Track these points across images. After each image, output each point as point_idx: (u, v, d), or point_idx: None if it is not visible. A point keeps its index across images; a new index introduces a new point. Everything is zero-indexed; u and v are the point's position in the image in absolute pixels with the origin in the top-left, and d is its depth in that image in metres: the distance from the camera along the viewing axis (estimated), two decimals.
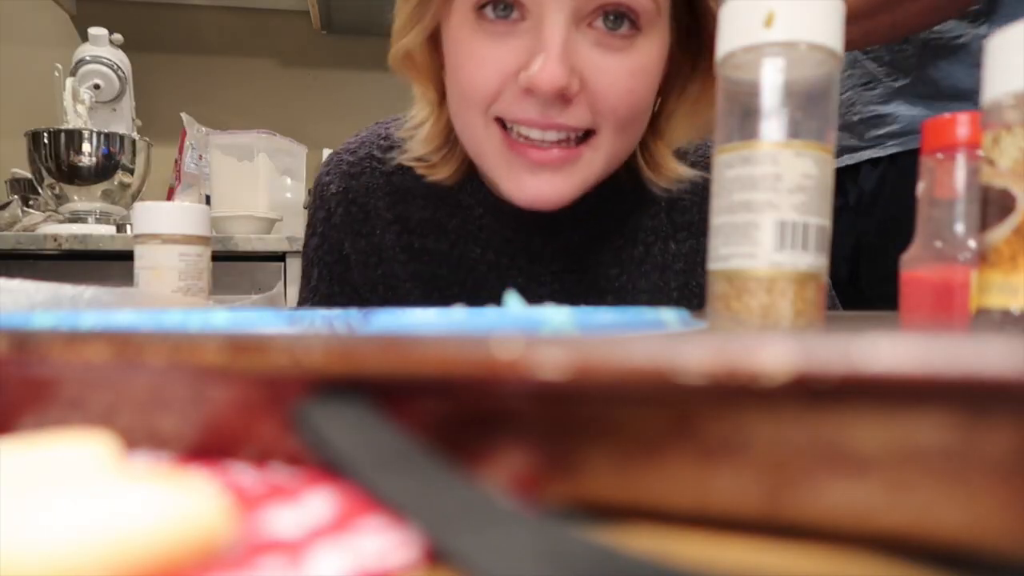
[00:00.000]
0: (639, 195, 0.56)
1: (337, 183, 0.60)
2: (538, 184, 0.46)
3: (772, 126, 0.29)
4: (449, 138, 0.54)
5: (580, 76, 0.43)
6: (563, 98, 0.43)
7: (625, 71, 0.44)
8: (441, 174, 0.55)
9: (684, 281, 0.57)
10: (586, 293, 0.57)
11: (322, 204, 0.61)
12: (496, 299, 0.56)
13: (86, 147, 1.34)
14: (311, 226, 0.63)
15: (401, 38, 0.49)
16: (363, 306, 0.59)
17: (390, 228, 0.58)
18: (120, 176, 1.38)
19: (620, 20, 0.43)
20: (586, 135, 0.46)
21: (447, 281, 0.58)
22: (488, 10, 0.44)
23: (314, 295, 0.63)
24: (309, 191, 1.61)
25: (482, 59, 0.44)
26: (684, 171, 0.54)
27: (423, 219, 0.58)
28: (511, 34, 0.44)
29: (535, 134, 0.45)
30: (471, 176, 0.56)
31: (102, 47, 1.43)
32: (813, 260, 0.29)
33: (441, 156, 0.55)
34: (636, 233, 0.57)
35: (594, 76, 0.43)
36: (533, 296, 0.56)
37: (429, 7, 0.47)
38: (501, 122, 0.46)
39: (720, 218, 0.31)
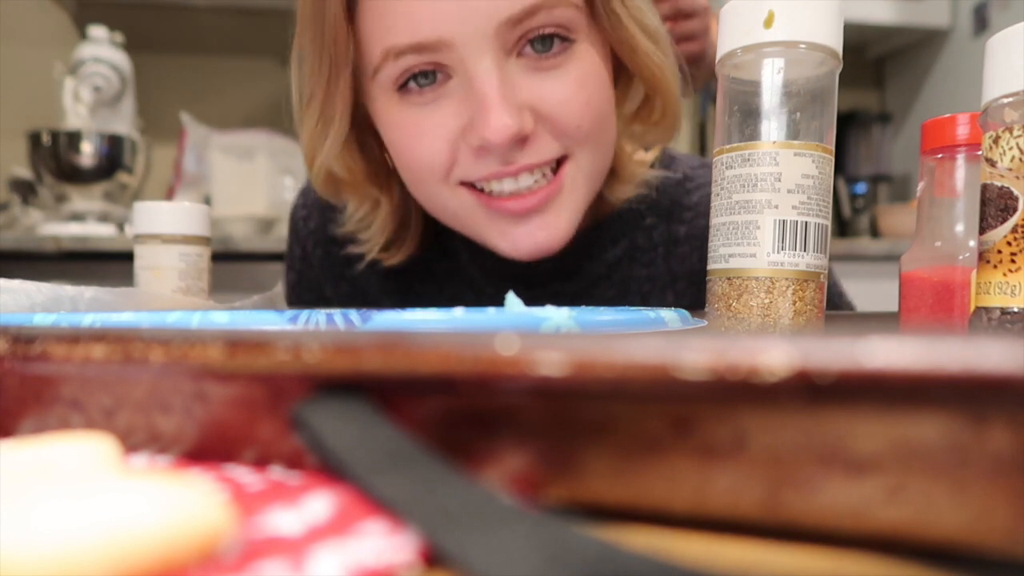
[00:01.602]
0: (630, 239, 0.52)
1: (315, 219, 0.56)
2: (531, 232, 0.42)
3: (772, 126, 0.29)
4: (403, 221, 0.50)
5: (530, 109, 0.40)
6: (521, 141, 0.40)
7: (573, 85, 0.40)
8: (400, 257, 0.51)
9: (692, 302, 0.54)
10: None
11: (297, 240, 0.58)
12: None
13: (86, 147, 1.34)
14: (288, 260, 0.59)
15: (316, 157, 0.44)
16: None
17: (374, 271, 0.54)
18: (120, 176, 1.38)
19: (548, 41, 0.40)
20: (559, 162, 0.42)
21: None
22: (412, 84, 0.41)
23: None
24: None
25: (422, 133, 0.41)
26: (650, 173, 0.51)
27: (409, 262, 0.53)
28: (443, 97, 0.40)
29: (507, 184, 0.41)
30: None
31: (102, 47, 1.43)
32: (813, 260, 0.29)
33: (398, 241, 0.51)
34: (628, 284, 0.53)
35: (544, 104, 0.40)
36: None
37: (332, 117, 0.42)
38: (468, 184, 0.42)
39: (720, 218, 0.31)
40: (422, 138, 0.41)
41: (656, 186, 0.52)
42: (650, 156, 0.53)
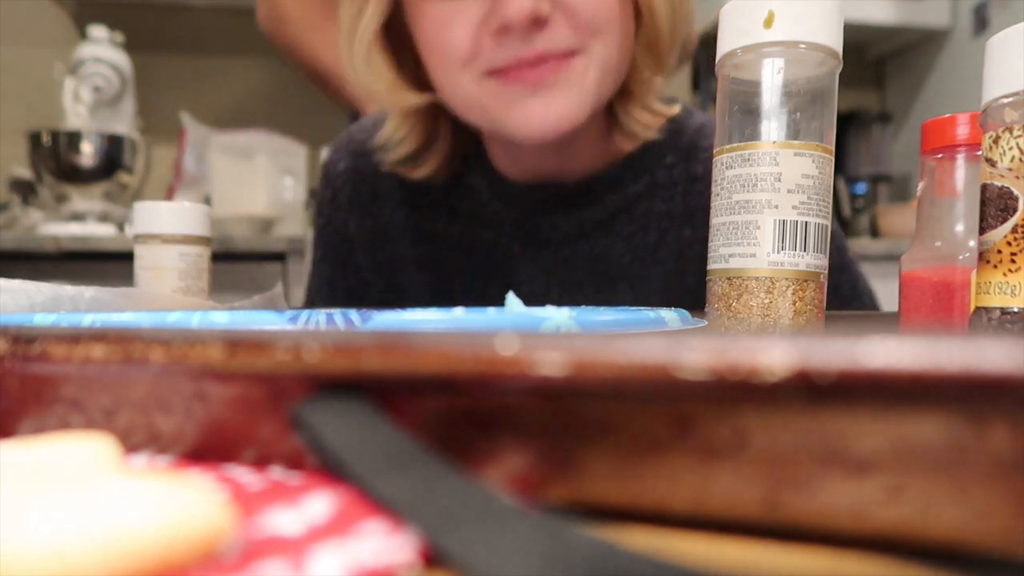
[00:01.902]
0: (650, 175, 0.55)
1: (346, 161, 0.59)
2: (542, 108, 0.45)
3: (772, 126, 0.29)
4: (429, 136, 0.54)
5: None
6: (538, 23, 0.43)
7: None
8: (426, 170, 0.54)
9: (702, 267, 0.56)
10: (597, 282, 0.56)
11: (328, 183, 0.60)
12: (503, 287, 0.55)
13: (86, 147, 1.34)
14: (317, 207, 0.62)
15: (354, 34, 0.48)
16: (366, 289, 0.60)
17: (399, 209, 0.57)
18: (120, 176, 1.38)
19: None
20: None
21: (454, 266, 0.57)
22: None
23: (318, 278, 0.62)
24: (309, 191, 1.61)
25: (449, 21, 0.44)
26: (670, 110, 0.54)
27: (433, 201, 0.57)
28: None
29: (522, 68, 0.44)
30: (480, 158, 0.55)
31: (102, 47, 1.43)
32: (813, 260, 0.29)
33: (424, 154, 0.54)
34: (648, 219, 0.55)
35: None
36: (543, 285, 0.56)
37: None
38: (492, 77, 0.46)
39: (720, 218, 0.31)
40: (448, 25, 0.44)
41: (676, 129, 0.55)
42: (674, 110, 0.56)
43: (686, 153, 0.55)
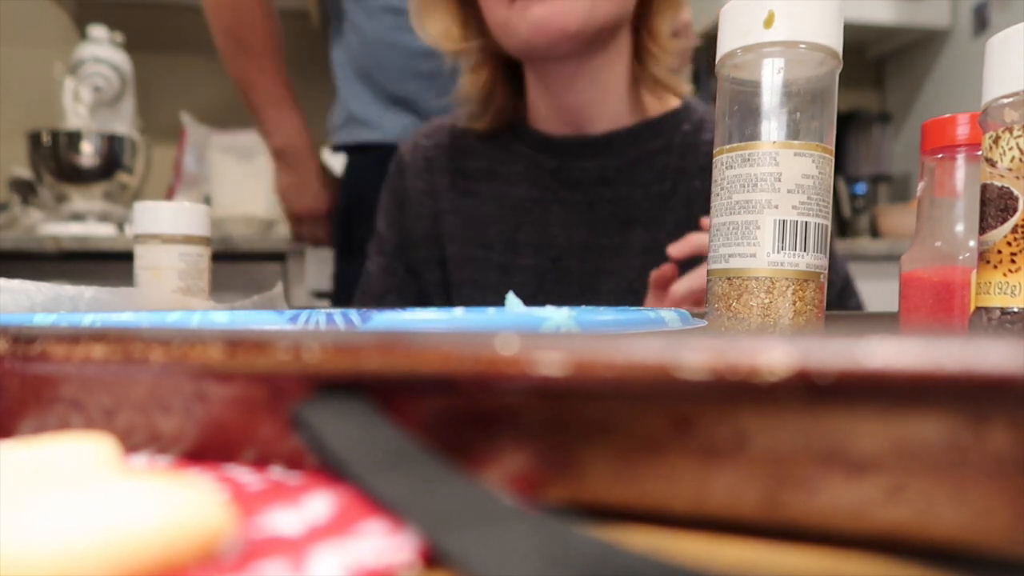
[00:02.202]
0: (668, 138, 0.65)
1: (410, 144, 0.72)
2: (544, 10, 0.54)
3: (772, 126, 0.29)
4: (489, 91, 0.66)
5: None
6: None
7: None
8: (486, 120, 0.67)
9: (707, 213, 0.65)
10: (618, 223, 0.64)
11: (394, 164, 0.72)
12: (535, 229, 0.66)
13: (86, 147, 1.34)
14: (384, 188, 0.73)
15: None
16: (411, 244, 0.71)
17: (447, 174, 0.69)
18: (120, 176, 1.38)
19: None
20: None
21: (490, 218, 0.67)
22: None
23: (376, 240, 0.73)
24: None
25: None
26: (686, 86, 0.66)
27: (478, 168, 0.68)
28: None
29: None
30: (520, 126, 0.68)
31: (102, 47, 1.43)
32: (813, 260, 0.29)
33: (483, 105, 0.67)
34: (664, 171, 0.65)
35: None
36: (569, 226, 0.65)
37: None
38: None
39: (720, 218, 0.31)
40: None
41: (689, 106, 0.67)
42: (689, 87, 0.68)
43: (699, 124, 0.66)
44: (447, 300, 0.70)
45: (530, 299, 0.63)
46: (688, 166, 0.65)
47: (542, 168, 0.66)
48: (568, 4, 0.54)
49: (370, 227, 0.76)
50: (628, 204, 0.64)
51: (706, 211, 0.61)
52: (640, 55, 0.63)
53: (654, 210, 0.64)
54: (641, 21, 0.62)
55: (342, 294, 0.95)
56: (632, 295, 0.63)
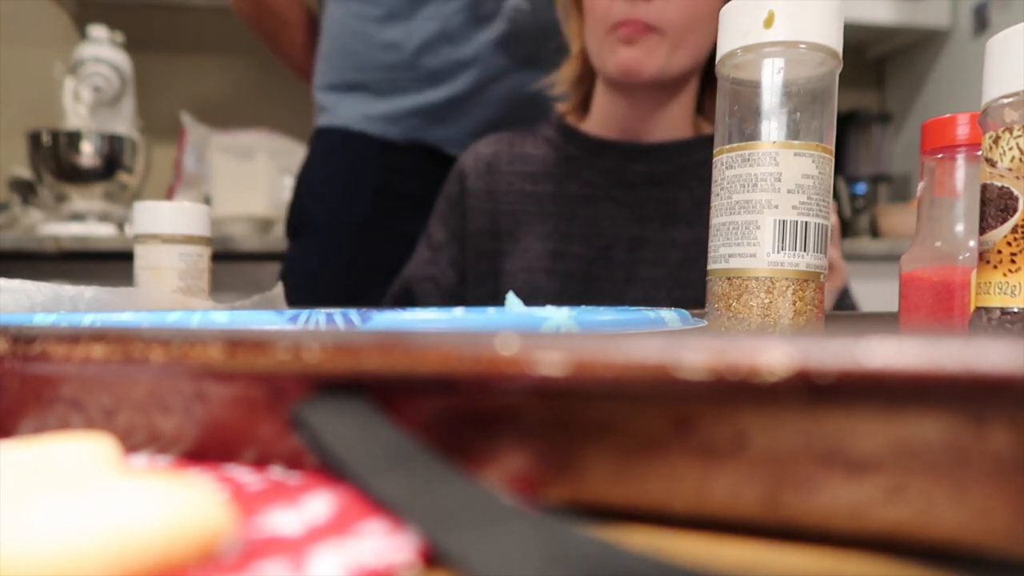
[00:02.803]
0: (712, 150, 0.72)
1: (470, 153, 0.78)
2: (628, 55, 0.65)
3: (772, 126, 0.29)
4: (580, 79, 0.75)
5: None
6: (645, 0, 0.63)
7: None
8: (575, 103, 0.76)
9: None
10: (663, 220, 0.71)
11: (453, 173, 0.79)
12: (584, 226, 0.72)
13: (86, 147, 1.33)
14: (442, 195, 0.79)
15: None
16: (466, 237, 0.77)
17: (506, 176, 0.75)
18: (120, 176, 1.38)
19: None
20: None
21: (545, 213, 0.73)
22: None
23: (425, 238, 0.78)
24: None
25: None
26: None
27: (535, 171, 0.75)
28: None
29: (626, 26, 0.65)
30: (574, 131, 0.74)
31: (102, 47, 1.43)
32: (813, 260, 0.29)
33: (575, 92, 0.76)
34: (708, 179, 0.68)
35: None
36: (619, 221, 0.71)
37: None
38: (612, 31, 0.65)
39: (720, 218, 0.31)
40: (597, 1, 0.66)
41: None
42: None
43: None
44: (495, 288, 0.74)
45: (578, 284, 0.70)
46: None
47: (596, 168, 0.72)
48: (649, 55, 0.65)
49: (316, 212, 0.83)
50: (674, 204, 0.71)
51: None
52: (707, 92, 0.73)
53: (697, 210, 0.70)
54: (712, 64, 0.68)
55: (287, 277, 0.95)
56: (673, 283, 0.69)
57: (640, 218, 0.71)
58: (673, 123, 0.72)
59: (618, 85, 0.69)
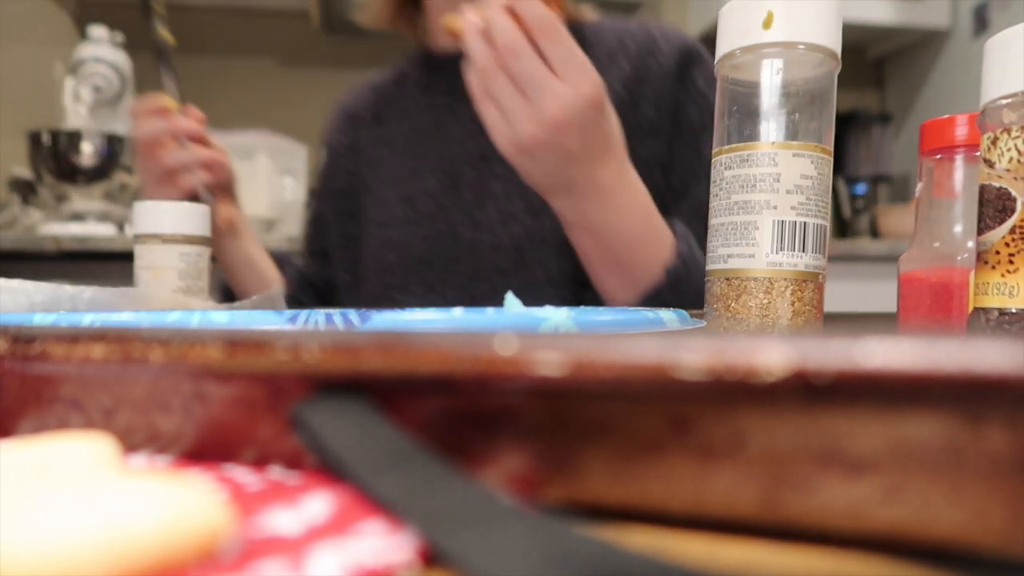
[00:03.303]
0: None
1: (337, 105, 0.78)
2: None
3: (771, 127, 0.29)
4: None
5: None
6: None
7: None
8: (386, 15, 0.72)
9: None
10: None
11: (327, 124, 0.78)
12: (433, 159, 0.68)
13: (86, 147, 1.34)
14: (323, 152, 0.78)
15: None
16: (331, 196, 0.76)
17: (368, 127, 0.73)
18: (120, 176, 1.38)
19: None
20: None
21: (399, 158, 0.69)
22: None
23: (309, 200, 0.81)
24: (309, 191, 1.61)
25: None
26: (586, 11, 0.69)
27: (390, 112, 0.72)
28: None
29: None
30: (419, 53, 0.73)
31: (102, 47, 1.43)
32: (811, 260, 0.29)
33: (398, 16, 0.72)
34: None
35: None
36: (463, 140, 0.66)
37: None
38: None
39: (719, 218, 0.31)
40: None
41: (596, 28, 0.68)
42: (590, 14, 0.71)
43: (605, 48, 0.66)
44: (355, 256, 0.72)
45: (431, 225, 0.65)
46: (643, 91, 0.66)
47: (437, 89, 0.68)
48: None
49: None
50: None
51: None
52: None
53: None
54: None
55: None
56: (521, 198, 0.62)
57: (484, 131, 0.65)
58: None
59: None
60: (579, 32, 0.63)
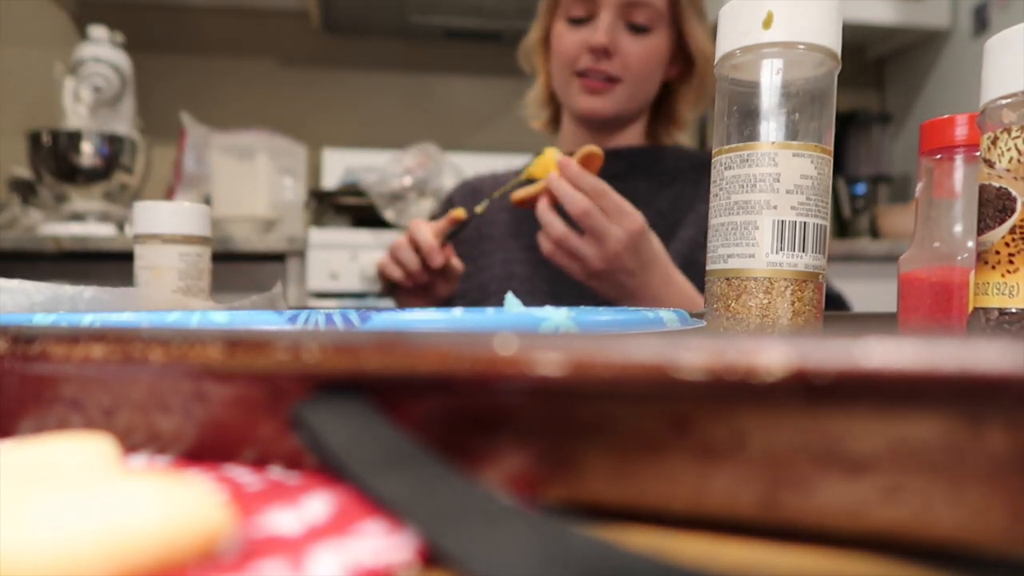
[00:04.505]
0: (674, 161, 0.86)
1: (458, 184, 0.93)
2: (591, 102, 0.79)
3: (771, 127, 0.29)
4: (547, 98, 0.89)
5: (614, 44, 0.76)
6: (606, 52, 0.76)
7: (641, 49, 0.78)
8: (543, 120, 0.92)
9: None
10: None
11: (444, 198, 0.94)
12: (534, 228, 0.73)
13: (86, 147, 1.34)
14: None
15: (530, 36, 0.89)
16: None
17: (482, 199, 0.82)
18: (120, 176, 1.38)
19: (640, 26, 0.77)
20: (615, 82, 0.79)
21: (503, 224, 0.83)
22: (572, 18, 0.80)
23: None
24: (309, 191, 1.61)
25: (568, 40, 0.79)
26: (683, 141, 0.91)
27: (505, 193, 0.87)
28: (583, 27, 0.78)
29: (590, 76, 0.78)
30: None
31: (102, 47, 1.43)
32: (811, 260, 0.29)
33: (544, 108, 0.91)
34: (652, 177, 0.86)
35: (623, 47, 0.77)
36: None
37: (544, 20, 0.85)
38: (577, 76, 0.79)
39: (719, 218, 0.31)
40: (566, 43, 0.79)
41: (685, 149, 0.90)
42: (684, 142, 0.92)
43: (688, 162, 0.86)
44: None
45: (527, 281, 0.76)
46: (686, 192, 0.85)
47: None
48: (609, 100, 0.78)
49: None
50: (634, 194, 0.80)
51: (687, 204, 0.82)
52: (660, 118, 0.88)
53: (635, 203, 0.79)
54: (666, 96, 0.86)
55: None
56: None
57: None
58: (627, 140, 0.85)
59: (581, 120, 0.82)
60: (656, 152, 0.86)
